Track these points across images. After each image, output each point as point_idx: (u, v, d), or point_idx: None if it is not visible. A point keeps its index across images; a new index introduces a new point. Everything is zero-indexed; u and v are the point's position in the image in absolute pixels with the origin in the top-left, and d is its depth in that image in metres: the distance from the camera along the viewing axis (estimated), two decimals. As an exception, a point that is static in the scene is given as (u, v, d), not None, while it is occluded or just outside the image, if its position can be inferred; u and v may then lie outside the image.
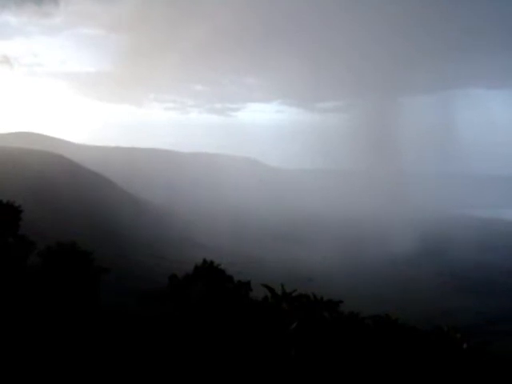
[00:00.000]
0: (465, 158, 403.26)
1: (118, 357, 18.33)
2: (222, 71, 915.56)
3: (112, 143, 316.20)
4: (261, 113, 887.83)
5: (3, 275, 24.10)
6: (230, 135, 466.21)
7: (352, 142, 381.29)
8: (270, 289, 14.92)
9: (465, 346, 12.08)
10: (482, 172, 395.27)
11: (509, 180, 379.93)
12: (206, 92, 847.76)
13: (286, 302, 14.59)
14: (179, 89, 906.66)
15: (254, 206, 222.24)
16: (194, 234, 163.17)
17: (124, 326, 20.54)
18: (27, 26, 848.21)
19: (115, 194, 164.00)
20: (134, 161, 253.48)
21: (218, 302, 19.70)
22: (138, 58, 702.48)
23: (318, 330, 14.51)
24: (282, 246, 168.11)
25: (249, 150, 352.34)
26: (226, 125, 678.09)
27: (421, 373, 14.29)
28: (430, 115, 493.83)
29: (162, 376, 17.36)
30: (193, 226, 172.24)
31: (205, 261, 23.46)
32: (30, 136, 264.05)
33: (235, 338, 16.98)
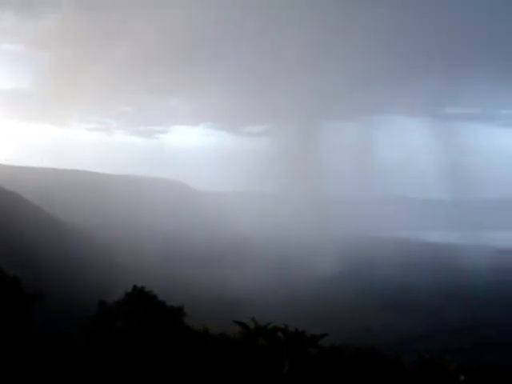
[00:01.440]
0: (385, 181, 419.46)
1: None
2: (148, 92, 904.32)
3: (33, 164, 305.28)
4: (187, 136, 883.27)
5: None
6: (156, 158, 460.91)
7: (276, 165, 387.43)
8: (242, 324, 14.15)
9: (462, 378, 11.33)
10: (401, 194, 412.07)
11: (427, 202, 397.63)
12: (131, 113, 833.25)
13: (263, 338, 13.83)
14: (103, 109, 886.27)
15: (181, 230, 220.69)
16: (120, 258, 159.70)
17: (57, 354, 19.76)
18: None
19: (35, 217, 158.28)
20: (56, 182, 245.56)
21: (158, 332, 19.05)
22: (61, 76, 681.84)
23: (311, 370, 13.87)
24: (210, 269, 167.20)
25: (175, 173, 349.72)
26: (152, 147, 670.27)
27: None
28: (352, 140, 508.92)
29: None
30: (118, 250, 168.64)
31: (135, 286, 22.99)
32: None
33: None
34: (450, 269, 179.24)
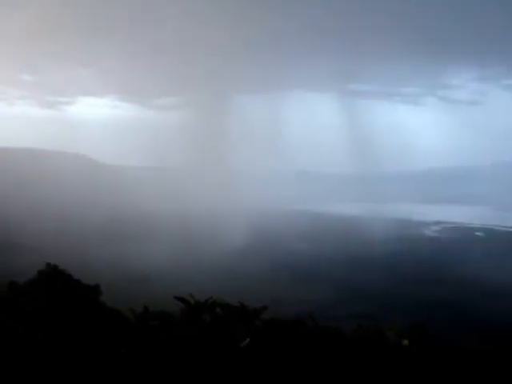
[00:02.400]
0: (293, 155, 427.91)
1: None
2: (53, 61, 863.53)
3: None
4: (95, 107, 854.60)
5: None
6: (60, 130, 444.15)
7: (185, 139, 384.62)
8: (183, 300, 13.39)
9: (405, 342, 11.13)
10: (308, 169, 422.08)
11: (333, 176, 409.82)
12: (34, 83, 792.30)
13: (207, 314, 13.17)
14: (4, 78, 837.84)
15: (85, 204, 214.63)
16: (20, 236, 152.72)
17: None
18: None
19: None
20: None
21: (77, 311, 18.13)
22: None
23: (264, 343, 13.40)
24: (114, 244, 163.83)
25: (80, 147, 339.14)
26: (57, 119, 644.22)
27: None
28: (261, 115, 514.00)
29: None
30: (19, 228, 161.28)
31: (48, 264, 22.01)
32: None
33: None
34: (354, 241, 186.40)
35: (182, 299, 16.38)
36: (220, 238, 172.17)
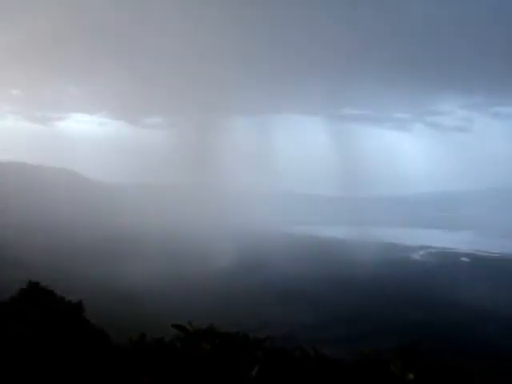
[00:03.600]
0: (281, 176, 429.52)
1: None
2: (43, 77, 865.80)
3: None
4: (84, 124, 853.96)
5: None
6: (51, 145, 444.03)
7: (172, 158, 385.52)
8: (182, 327, 13.25)
9: (411, 377, 10.54)
10: (295, 191, 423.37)
11: (318, 198, 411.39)
12: (24, 98, 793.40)
13: (205, 341, 12.99)
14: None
15: (72, 220, 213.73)
16: (7, 251, 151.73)
17: None
18: None
19: None
20: None
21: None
22: None
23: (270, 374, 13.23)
24: (102, 263, 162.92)
25: (70, 162, 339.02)
26: (46, 134, 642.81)
27: None
28: (249, 136, 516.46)
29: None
30: (6, 242, 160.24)
31: (31, 282, 22.17)
32: None
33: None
34: (340, 263, 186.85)
35: (179, 327, 16.04)
36: (206, 258, 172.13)
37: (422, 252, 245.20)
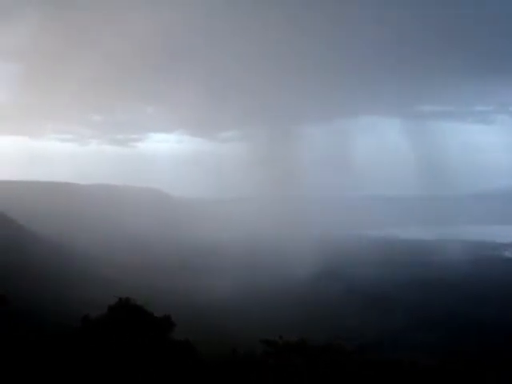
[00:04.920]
0: (361, 181, 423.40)
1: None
2: (121, 101, 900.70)
3: (6, 177, 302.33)
4: (162, 143, 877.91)
5: None
6: (132, 166, 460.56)
7: (251, 170, 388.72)
8: (271, 342, 13.35)
9: None
10: (377, 193, 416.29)
11: (401, 200, 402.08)
12: (105, 122, 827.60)
13: (297, 356, 13.01)
14: (76, 119, 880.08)
15: (157, 237, 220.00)
16: (101, 269, 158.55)
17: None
18: None
19: (13, 231, 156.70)
20: (31, 195, 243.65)
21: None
22: (32, 88, 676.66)
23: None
24: (188, 277, 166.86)
25: (152, 181, 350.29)
26: (128, 155, 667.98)
27: None
28: (326, 142, 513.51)
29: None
30: (98, 261, 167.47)
31: (121, 299, 23.35)
32: None
33: None
34: (426, 264, 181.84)
35: (268, 342, 15.63)
36: (288, 269, 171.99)
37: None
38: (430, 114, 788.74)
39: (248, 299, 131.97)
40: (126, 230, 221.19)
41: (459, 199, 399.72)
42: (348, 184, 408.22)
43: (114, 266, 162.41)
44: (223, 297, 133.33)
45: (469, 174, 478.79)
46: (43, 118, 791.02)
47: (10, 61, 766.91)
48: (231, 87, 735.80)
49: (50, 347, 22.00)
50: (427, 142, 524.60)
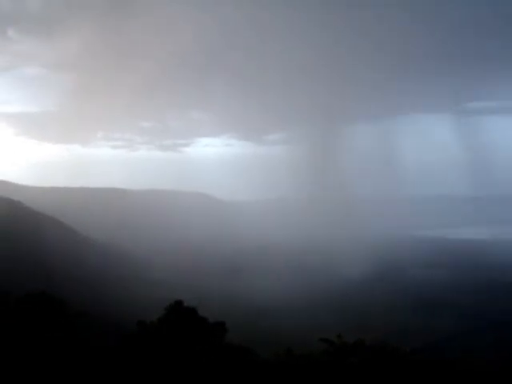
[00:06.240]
0: (409, 181, 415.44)
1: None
2: (169, 107, 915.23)
3: (60, 183, 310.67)
4: (210, 147, 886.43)
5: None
6: (181, 171, 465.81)
7: (298, 172, 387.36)
8: (328, 341, 13.59)
9: None
10: (426, 193, 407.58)
11: (452, 200, 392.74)
12: (154, 129, 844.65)
13: (353, 356, 13.18)
14: (127, 126, 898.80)
15: (207, 240, 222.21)
16: (150, 273, 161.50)
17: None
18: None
19: (67, 236, 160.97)
20: (83, 200, 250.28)
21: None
22: (83, 97, 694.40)
23: None
24: (239, 279, 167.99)
25: (200, 185, 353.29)
26: (176, 161, 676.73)
27: None
28: (374, 142, 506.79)
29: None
30: (147, 264, 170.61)
31: (176, 302, 24.03)
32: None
33: None
34: (479, 265, 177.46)
35: (326, 340, 15.57)
36: (340, 268, 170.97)
37: None
38: (482, 111, 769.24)
39: (300, 300, 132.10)
40: (177, 233, 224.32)
41: (509, 198, 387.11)
42: (397, 184, 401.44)
43: (165, 270, 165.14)
44: (276, 298, 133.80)
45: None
46: (94, 126, 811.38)
47: (62, 71, 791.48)
48: (277, 89, 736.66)
49: (116, 352, 22.84)
50: (478, 138, 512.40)
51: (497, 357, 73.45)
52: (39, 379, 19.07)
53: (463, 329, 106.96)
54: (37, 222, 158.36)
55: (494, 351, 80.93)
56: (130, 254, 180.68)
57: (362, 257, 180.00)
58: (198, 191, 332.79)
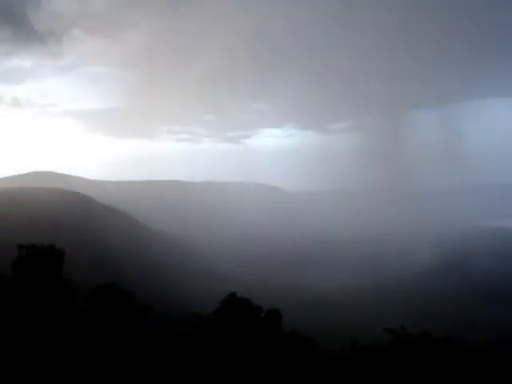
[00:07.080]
0: (478, 169, 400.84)
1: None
2: (232, 99, 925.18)
3: (126, 177, 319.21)
4: (273, 138, 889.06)
5: (51, 317, 25.02)
6: (244, 162, 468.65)
7: (363, 162, 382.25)
8: (393, 332, 13.61)
9: None
10: (496, 181, 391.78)
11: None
12: (217, 121, 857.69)
13: (418, 348, 13.18)
14: (191, 120, 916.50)
15: (271, 232, 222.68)
16: (214, 265, 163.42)
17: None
18: (39, 69, 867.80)
19: (132, 228, 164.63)
20: (149, 194, 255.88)
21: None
22: (148, 92, 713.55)
23: None
24: (304, 269, 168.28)
25: (265, 176, 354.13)
26: (240, 152, 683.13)
27: None
28: (438, 129, 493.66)
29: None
30: (211, 256, 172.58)
31: (231, 295, 24.77)
32: (45, 175, 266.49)
33: None
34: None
35: (391, 331, 15.52)
36: (407, 260, 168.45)
37: None
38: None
39: (365, 293, 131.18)
40: (240, 225, 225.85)
41: None
42: (462, 171, 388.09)
43: (228, 261, 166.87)
44: (340, 289, 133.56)
45: None
46: (159, 121, 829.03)
47: (127, 69, 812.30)
48: (340, 78, 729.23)
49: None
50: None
51: None
52: (105, 371, 20.16)
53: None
54: (106, 216, 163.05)
55: None
56: (193, 247, 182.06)
57: (430, 248, 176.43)
58: (262, 182, 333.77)
